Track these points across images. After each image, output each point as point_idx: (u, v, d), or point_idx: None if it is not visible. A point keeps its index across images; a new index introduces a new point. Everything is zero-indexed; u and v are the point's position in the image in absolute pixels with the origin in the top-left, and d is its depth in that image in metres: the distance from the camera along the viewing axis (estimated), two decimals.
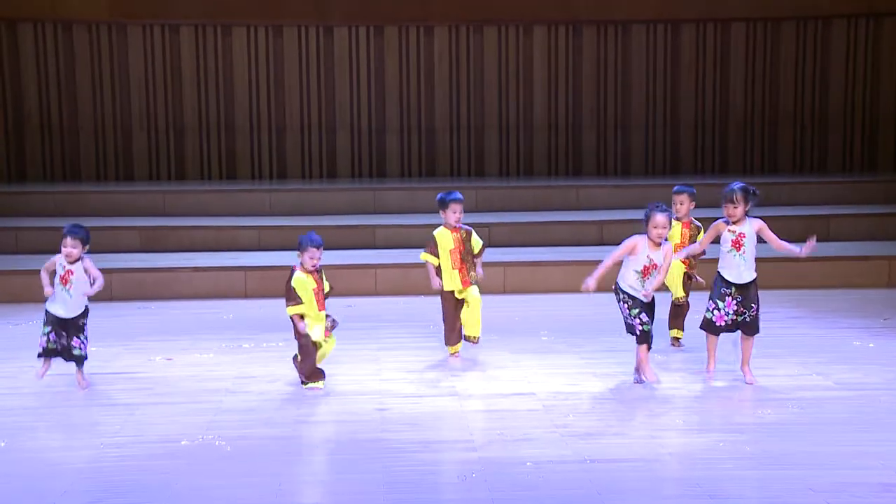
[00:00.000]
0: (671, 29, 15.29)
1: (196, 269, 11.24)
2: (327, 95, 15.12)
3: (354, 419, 6.97)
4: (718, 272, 7.58)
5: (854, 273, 11.43)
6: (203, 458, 6.24)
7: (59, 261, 7.60)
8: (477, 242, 8.35)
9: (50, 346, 7.61)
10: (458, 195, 8.30)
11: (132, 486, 5.81)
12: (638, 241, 7.47)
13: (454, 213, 8.24)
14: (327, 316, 7.62)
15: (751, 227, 7.45)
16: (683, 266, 8.46)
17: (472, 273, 8.30)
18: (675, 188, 8.73)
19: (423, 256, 8.32)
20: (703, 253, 8.11)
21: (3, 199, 13.33)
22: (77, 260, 7.56)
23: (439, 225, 8.34)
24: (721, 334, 7.68)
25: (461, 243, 8.26)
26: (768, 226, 7.52)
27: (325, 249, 7.63)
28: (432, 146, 15.28)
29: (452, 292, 8.30)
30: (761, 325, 7.64)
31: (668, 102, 15.42)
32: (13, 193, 13.62)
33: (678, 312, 8.68)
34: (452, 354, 8.42)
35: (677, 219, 8.53)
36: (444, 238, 8.27)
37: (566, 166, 15.42)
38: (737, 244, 7.44)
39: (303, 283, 7.51)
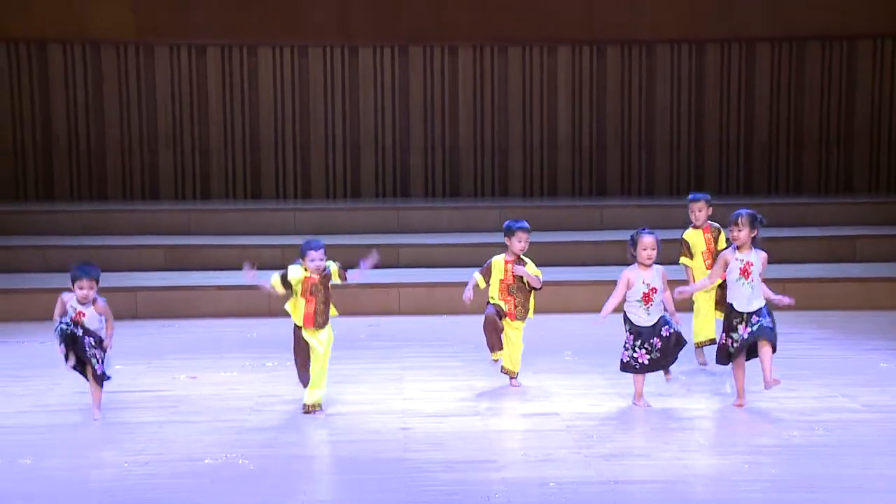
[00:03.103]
0: (696, 49, 15.26)
1: (220, 287, 11.27)
2: (352, 115, 15.16)
3: (377, 438, 6.98)
4: (728, 304, 7.54)
5: (880, 294, 11.33)
6: (227, 477, 6.26)
7: (69, 302, 7.34)
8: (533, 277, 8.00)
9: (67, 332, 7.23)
10: (525, 224, 8.02)
11: None
12: (629, 275, 7.49)
13: (519, 242, 7.94)
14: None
15: (757, 256, 7.45)
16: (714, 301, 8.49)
17: (519, 308, 8.04)
18: (691, 196, 8.86)
19: (475, 276, 8.10)
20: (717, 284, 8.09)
21: (31, 218, 13.42)
22: (90, 301, 7.33)
23: (501, 252, 8.08)
24: (746, 363, 7.56)
25: (513, 276, 8.01)
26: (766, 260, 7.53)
27: (348, 269, 7.62)
28: (456, 166, 15.29)
29: (495, 313, 8.02)
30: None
31: (693, 122, 15.37)
32: (41, 212, 13.70)
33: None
34: (495, 361, 8.20)
35: (696, 227, 8.72)
36: (498, 268, 8.02)
37: (590, 186, 15.38)
38: (745, 272, 7.42)
39: (298, 278, 7.44)
